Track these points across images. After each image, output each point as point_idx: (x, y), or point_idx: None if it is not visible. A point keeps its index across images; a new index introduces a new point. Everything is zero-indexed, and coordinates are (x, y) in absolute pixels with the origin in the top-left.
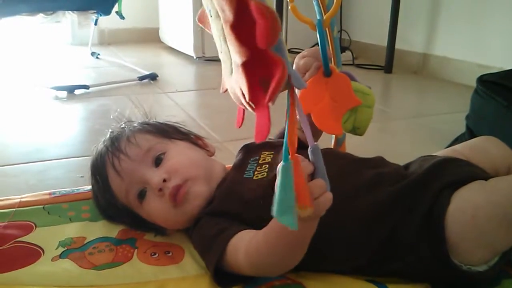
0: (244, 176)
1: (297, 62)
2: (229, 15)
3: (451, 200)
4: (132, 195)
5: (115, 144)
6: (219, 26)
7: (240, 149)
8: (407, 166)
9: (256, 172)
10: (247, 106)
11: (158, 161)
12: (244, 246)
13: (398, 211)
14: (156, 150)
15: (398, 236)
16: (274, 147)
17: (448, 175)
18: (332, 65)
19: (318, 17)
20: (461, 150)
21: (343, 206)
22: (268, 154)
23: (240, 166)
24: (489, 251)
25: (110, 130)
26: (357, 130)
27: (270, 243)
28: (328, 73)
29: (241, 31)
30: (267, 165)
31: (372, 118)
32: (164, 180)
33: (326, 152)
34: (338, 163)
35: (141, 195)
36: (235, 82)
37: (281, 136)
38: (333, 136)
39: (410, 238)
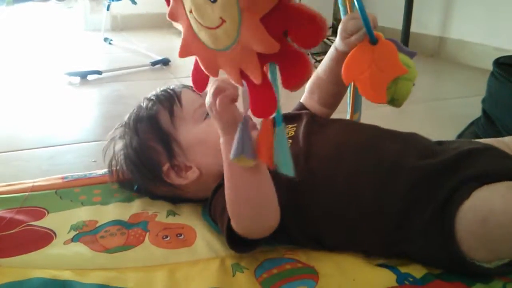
0: None
1: (345, 22)
2: (262, 7)
3: (471, 194)
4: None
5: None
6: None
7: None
8: (441, 142)
9: None
10: (239, 83)
11: None
12: None
13: (416, 191)
14: None
15: (411, 217)
16: (294, 119)
17: (478, 166)
18: (377, 32)
19: (342, 16)
20: (508, 142)
21: (360, 175)
22: (291, 128)
23: None
24: (493, 255)
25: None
26: (395, 102)
27: (228, 185)
28: (373, 41)
29: (268, 23)
30: (290, 140)
31: (411, 92)
32: None
33: (353, 123)
34: (366, 134)
35: None
36: (228, 60)
37: (298, 108)
38: (349, 114)
39: (423, 221)
